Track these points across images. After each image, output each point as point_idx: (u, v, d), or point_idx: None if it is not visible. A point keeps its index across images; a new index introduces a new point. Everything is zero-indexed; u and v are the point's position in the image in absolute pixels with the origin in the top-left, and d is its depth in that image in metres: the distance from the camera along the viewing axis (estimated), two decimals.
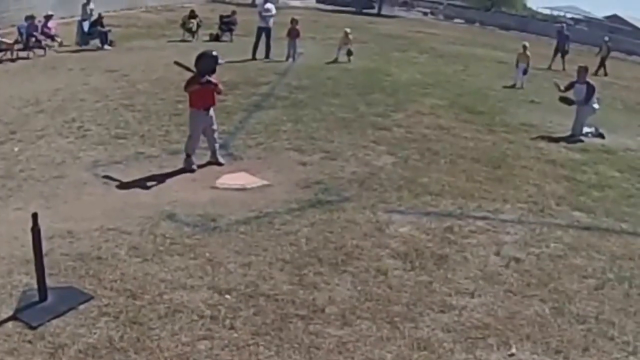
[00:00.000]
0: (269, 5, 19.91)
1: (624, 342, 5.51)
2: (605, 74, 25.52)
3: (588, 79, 13.43)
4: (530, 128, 13.44)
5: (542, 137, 12.72)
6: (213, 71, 9.16)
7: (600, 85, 15.89)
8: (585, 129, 13.14)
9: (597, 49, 28.39)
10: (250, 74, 16.70)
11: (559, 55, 25.80)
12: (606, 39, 28.36)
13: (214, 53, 9.31)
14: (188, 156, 9.22)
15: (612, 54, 28.85)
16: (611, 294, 6.36)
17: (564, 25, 30.60)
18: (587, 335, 5.55)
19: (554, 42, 27.01)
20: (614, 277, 6.74)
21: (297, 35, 20.54)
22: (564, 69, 24.04)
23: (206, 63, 9.10)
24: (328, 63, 20.14)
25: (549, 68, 24.69)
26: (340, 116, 12.75)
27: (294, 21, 20.61)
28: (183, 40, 23.49)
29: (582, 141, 12.74)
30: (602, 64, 26.23)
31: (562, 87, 13.79)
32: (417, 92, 16.44)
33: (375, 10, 55.33)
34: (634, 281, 6.67)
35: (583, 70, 13.63)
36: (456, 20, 55.79)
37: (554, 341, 5.42)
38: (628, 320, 5.87)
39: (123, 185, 8.42)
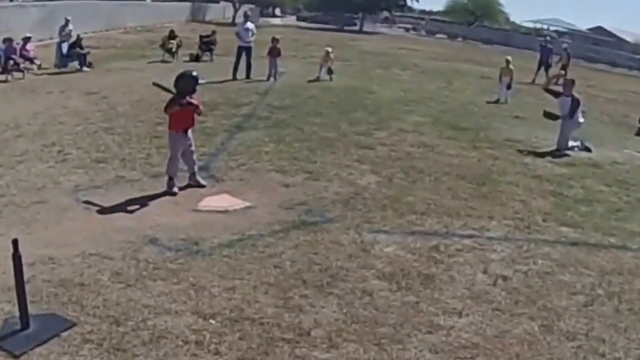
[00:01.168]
0: (249, 25, 19.94)
1: (615, 358, 5.46)
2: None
3: (573, 92, 13.44)
4: (515, 143, 13.46)
5: (528, 153, 12.74)
6: (193, 91, 9.06)
7: (585, 98, 15.96)
8: (571, 143, 13.16)
9: (580, 61, 28.52)
10: (231, 94, 16.64)
11: (543, 68, 25.98)
12: (564, 46, 28.51)
13: (194, 73, 9.21)
14: (170, 179, 9.11)
15: (598, 65, 29.02)
16: (601, 310, 6.30)
17: (548, 38, 30.88)
18: (577, 353, 5.48)
19: (538, 56, 27.19)
20: (603, 293, 6.68)
21: (278, 54, 20.50)
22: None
23: (186, 83, 9.00)
24: (310, 82, 20.17)
25: (533, 82, 24.86)
26: (322, 136, 12.69)
27: (274, 40, 20.57)
28: (163, 61, 23.49)
29: (568, 155, 12.76)
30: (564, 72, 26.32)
31: (551, 83, 13.97)
32: (400, 109, 16.45)
33: (356, 27, 55.79)
34: (624, 296, 6.63)
35: (569, 83, 13.67)
36: (438, 35, 56.39)
37: (544, 359, 5.36)
38: (619, 336, 5.81)
39: (104, 210, 8.27)
